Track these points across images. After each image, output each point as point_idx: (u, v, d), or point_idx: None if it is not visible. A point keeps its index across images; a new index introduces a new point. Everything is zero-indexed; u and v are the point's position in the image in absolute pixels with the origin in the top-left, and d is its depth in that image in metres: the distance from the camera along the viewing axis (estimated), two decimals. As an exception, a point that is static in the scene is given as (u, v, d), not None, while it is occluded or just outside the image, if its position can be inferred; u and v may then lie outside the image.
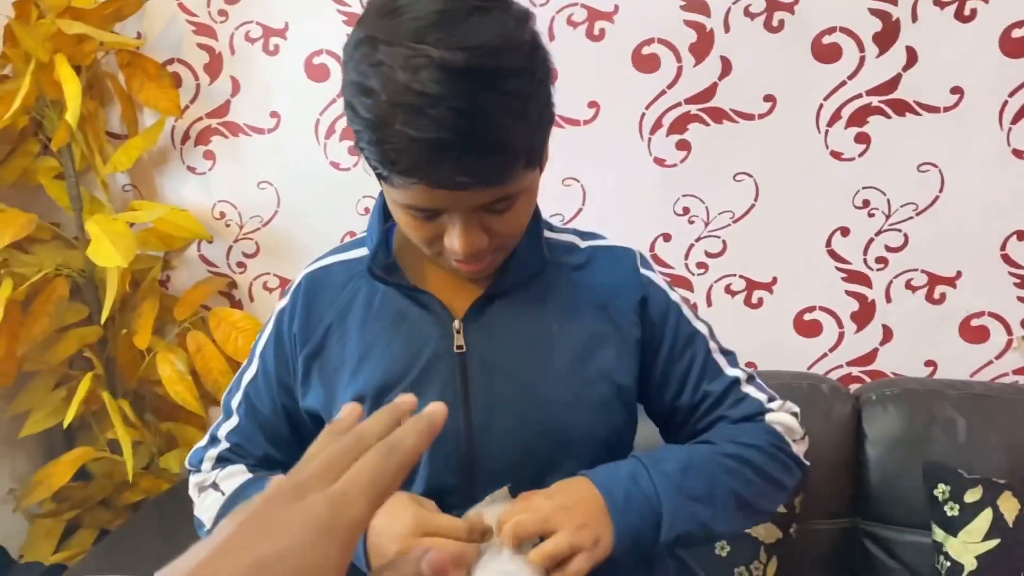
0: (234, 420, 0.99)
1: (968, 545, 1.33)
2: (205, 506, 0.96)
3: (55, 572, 1.61)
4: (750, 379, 0.99)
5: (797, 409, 0.99)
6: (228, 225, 1.82)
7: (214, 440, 1.00)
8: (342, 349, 0.91)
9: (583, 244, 0.97)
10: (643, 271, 0.96)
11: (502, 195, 0.75)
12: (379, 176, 0.76)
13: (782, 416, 0.97)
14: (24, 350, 1.67)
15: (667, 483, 0.84)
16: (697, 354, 0.96)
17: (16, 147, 1.75)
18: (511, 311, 0.90)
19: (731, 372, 0.98)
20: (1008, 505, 1.33)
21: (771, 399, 0.98)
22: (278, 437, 0.97)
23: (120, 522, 1.84)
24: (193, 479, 1.00)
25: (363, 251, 0.93)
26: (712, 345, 0.98)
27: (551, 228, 0.97)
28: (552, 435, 0.88)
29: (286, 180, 1.78)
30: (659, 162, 1.64)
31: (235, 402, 0.99)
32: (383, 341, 0.90)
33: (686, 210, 1.66)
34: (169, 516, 1.65)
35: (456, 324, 0.89)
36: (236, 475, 0.96)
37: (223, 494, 0.94)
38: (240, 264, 1.85)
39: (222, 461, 0.98)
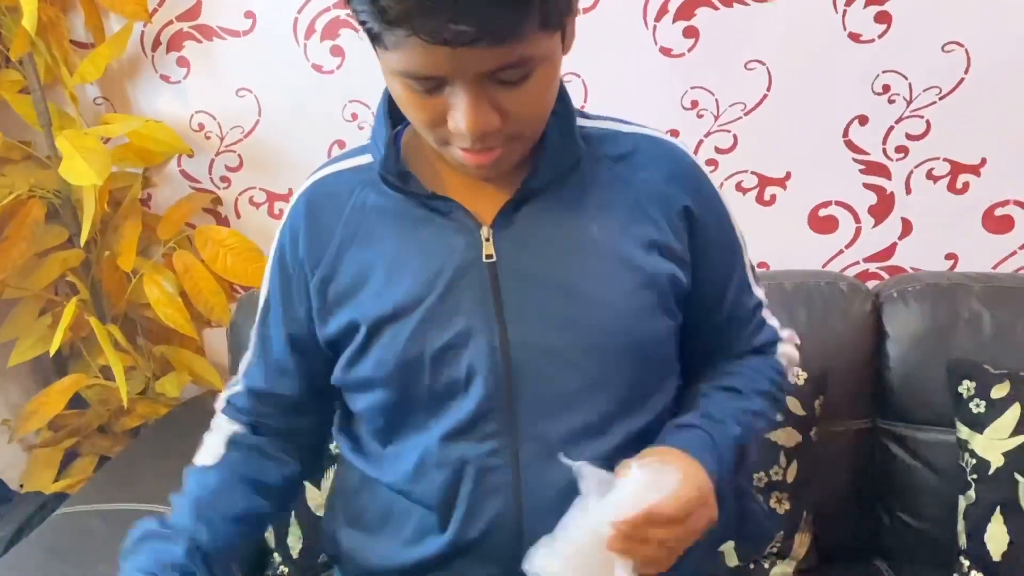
0: (248, 356, 0.95)
1: (995, 442, 1.29)
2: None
3: (56, 501, 1.58)
4: (765, 302, 0.97)
5: (797, 340, 1.01)
6: (208, 137, 1.72)
7: (237, 377, 0.97)
8: (358, 268, 0.83)
9: (626, 130, 0.87)
10: (700, 169, 0.88)
11: (513, 59, 0.65)
12: (371, 37, 0.67)
13: (789, 349, 0.98)
14: (3, 276, 1.60)
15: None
16: (735, 268, 0.92)
17: (-27, 60, 1.64)
18: (544, 214, 0.81)
19: (758, 293, 0.95)
20: (1037, 400, 1.29)
21: (781, 326, 0.98)
22: (283, 370, 0.92)
23: (119, 448, 1.80)
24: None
25: (365, 158, 0.84)
26: (746, 260, 0.94)
27: (586, 116, 0.87)
28: (596, 347, 0.81)
29: (266, 86, 1.67)
30: (665, 51, 1.53)
31: (253, 335, 0.94)
32: (404, 256, 0.82)
33: (694, 103, 1.56)
34: (168, 440, 1.61)
35: (484, 231, 0.80)
36: (210, 439, 0.95)
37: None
38: (224, 179, 1.75)
39: (227, 407, 0.96)
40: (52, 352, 1.58)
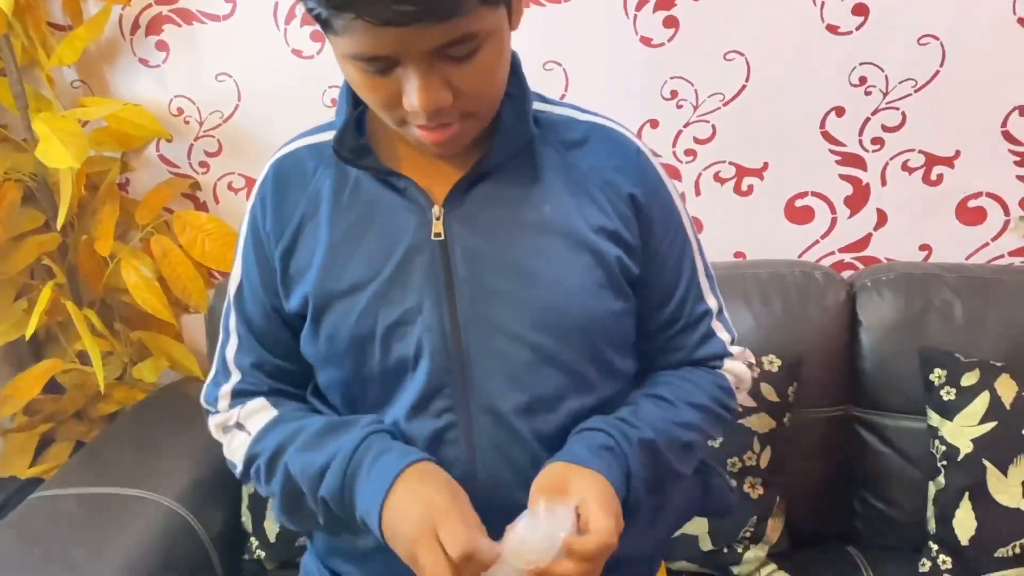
0: (234, 340, 0.91)
1: (964, 428, 1.31)
2: (233, 447, 0.90)
3: (31, 485, 1.57)
4: (720, 312, 0.94)
5: (752, 359, 0.98)
6: (187, 122, 1.71)
7: (224, 370, 0.92)
8: (315, 243, 0.84)
9: (582, 118, 0.88)
10: (649, 161, 0.88)
11: (458, 35, 0.66)
12: (320, 24, 0.68)
13: (738, 366, 0.94)
14: (-22, 260, 1.59)
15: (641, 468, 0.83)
16: (684, 265, 0.90)
17: (-52, 41, 1.62)
18: (497, 193, 0.82)
19: (709, 301, 0.93)
20: (1005, 387, 1.31)
21: (733, 340, 0.95)
22: (280, 344, 0.90)
23: (95, 434, 1.80)
24: (212, 420, 0.93)
25: (332, 133, 0.85)
26: (699, 263, 0.92)
27: (544, 100, 0.88)
28: (546, 323, 0.81)
29: (246, 71, 1.66)
30: (645, 41, 1.54)
31: (232, 321, 0.92)
32: (356, 233, 0.83)
33: (674, 93, 1.57)
34: (144, 426, 1.61)
35: (435, 210, 0.81)
36: (259, 412, 0.89)
37: (250, 434, 0.88)
38: (203, 164, 1.74)
39: (238, 396, 0.91)
40: (28, 336, 1.56)
